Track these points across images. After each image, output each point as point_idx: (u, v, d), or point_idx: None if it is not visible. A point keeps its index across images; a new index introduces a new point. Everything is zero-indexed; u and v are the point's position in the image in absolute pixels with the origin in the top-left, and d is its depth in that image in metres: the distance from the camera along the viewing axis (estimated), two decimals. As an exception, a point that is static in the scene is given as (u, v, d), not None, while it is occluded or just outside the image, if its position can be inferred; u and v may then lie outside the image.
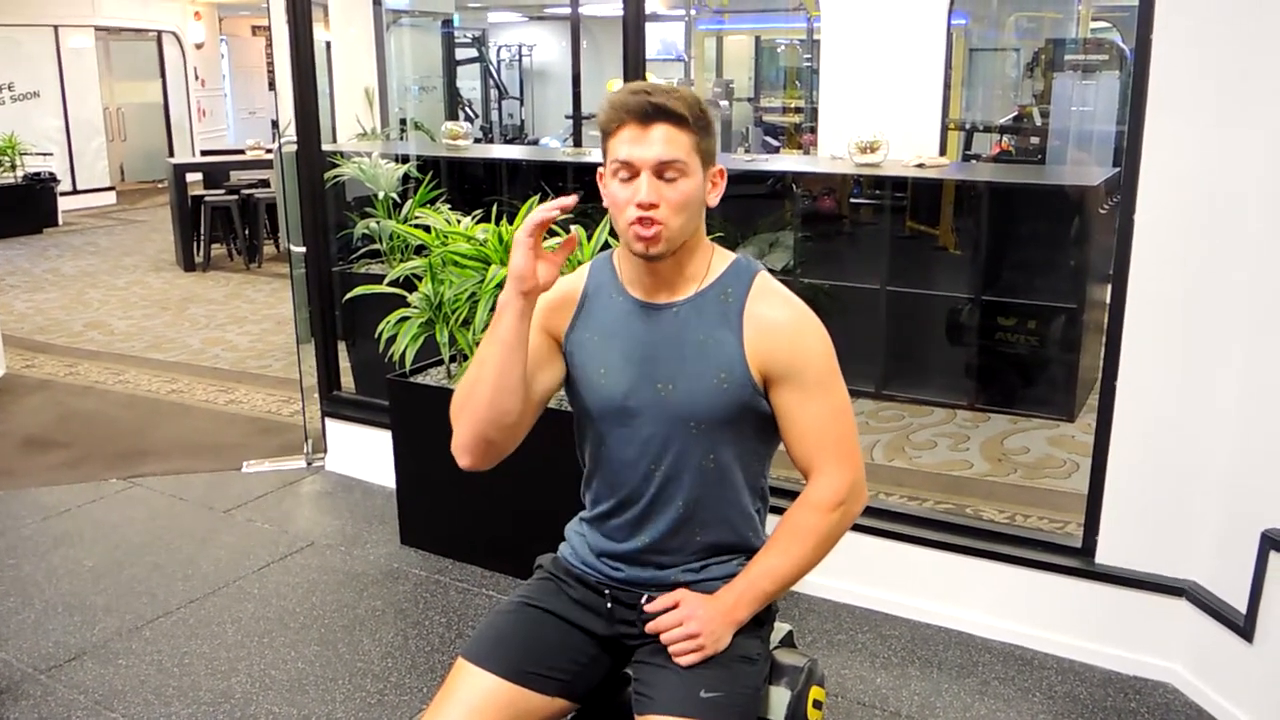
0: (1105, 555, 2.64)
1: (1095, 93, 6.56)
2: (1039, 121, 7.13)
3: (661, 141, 1.51)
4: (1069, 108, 6.69)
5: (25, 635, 2.89)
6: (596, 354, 1.64)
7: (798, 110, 10.22)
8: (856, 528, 2.86)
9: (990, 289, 4.50)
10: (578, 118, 9.63)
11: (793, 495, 1.63)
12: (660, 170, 1.51)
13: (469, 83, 12.84)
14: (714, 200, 1.60)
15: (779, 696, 1.62)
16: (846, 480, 1.60)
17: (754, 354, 1.57)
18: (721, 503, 1.63)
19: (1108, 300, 2.63)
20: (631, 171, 1.52)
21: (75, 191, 11.92)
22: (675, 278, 1.60)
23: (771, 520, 1.69)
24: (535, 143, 12.38)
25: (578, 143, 9.13)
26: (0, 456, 4.32)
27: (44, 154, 11.13)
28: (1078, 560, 2.69)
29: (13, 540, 3.50)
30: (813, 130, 7.37)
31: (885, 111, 4.97)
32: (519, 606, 1.69)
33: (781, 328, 1.58)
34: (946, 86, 5.59)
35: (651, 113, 1.50)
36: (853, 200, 4.94)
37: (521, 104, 13.61)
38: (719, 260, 1.64)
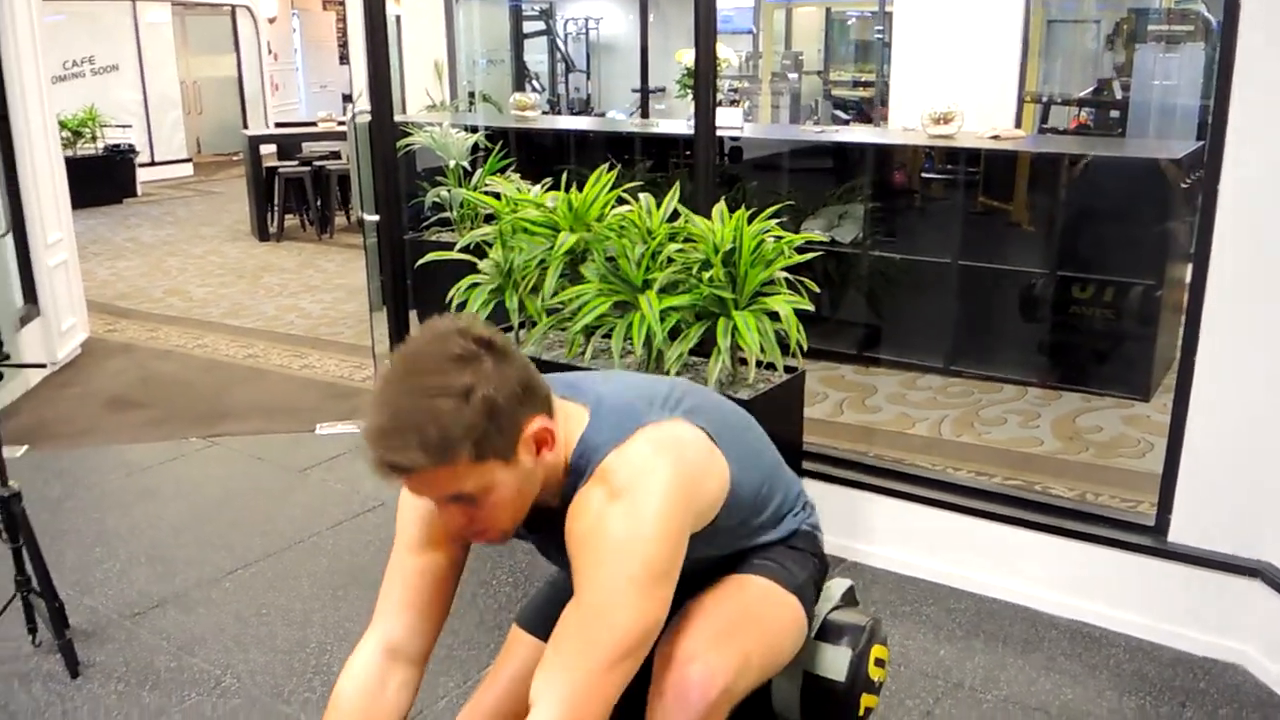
0: (1178, 534, 2.59)
1: (1179, 65, 6.37)
2: (1119, 95, 6.95)
3: (425, 488, 1.35)
4: (1151, 81, 6.50)
5: (110, 584, 3.01)
6: None
7: (868, 85, 10.08)
8: (921, 500, 2.89)
9: (1065, 264, 4.41)
10: (645, 91, 9.61)
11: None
12: (449, 501, 1.38)
13: (536, 56, 12.86)
14: (546, 459, 1.41)
15: (840, 655, 1.63)
16: (560, 697, 1.29)
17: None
18: (720, 574, 1.62)
19: (1186, 277, 2.57)
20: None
21: (153, 163, 12.21)
22: (541, 508, 1.48)
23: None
24: (602, 115, 12.39)
25: (645, 114, 9.12)
26: (86, 415, 4.49)
27: (123, 126, 11.42)
28: (1150, 539, 2.64)
29: (98, 494, 3.64)
30: (883, 104, 7.27)
31: (960, 84, 4.89)
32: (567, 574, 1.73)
33: (584, 508, 1.39)
34: (1023, 59, 5.46)
35: (392, 471, 1.32)
36: (924, 174, 4.87)
37: (588, 77, 13.60)
38: (573, 458, 1.46)
